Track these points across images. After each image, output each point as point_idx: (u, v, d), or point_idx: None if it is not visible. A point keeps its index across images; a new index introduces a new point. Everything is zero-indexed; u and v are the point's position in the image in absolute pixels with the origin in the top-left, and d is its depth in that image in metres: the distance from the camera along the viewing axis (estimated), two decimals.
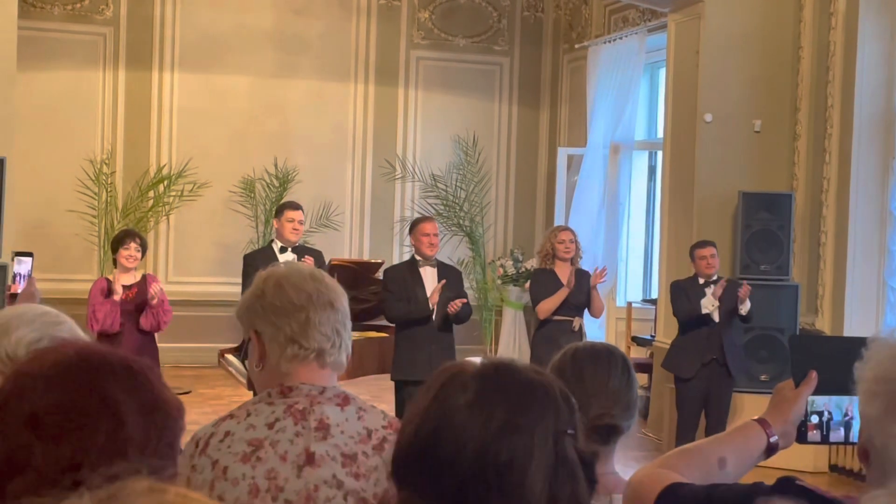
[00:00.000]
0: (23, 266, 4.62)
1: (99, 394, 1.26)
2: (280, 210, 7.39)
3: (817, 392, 1.94)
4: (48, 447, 1.18)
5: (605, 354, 2.36)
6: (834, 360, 1.92)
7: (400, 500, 1.38)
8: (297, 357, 2.22)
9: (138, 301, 6.82)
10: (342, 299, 2.28)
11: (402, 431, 1.42)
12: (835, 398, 1.94)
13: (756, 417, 1.94)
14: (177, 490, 0.83)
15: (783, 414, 1.92)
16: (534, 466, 1.35)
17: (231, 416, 2.23)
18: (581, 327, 7.47)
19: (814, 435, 1.95)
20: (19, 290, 4.36)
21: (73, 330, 2.24)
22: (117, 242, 7.02)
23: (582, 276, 7.50)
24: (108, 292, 6.82)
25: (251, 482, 2.12)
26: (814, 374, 1.92)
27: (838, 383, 1.89)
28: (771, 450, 1.91)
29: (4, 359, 2.18)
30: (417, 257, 7.08)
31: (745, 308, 7.41)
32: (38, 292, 4.11)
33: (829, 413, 1.95)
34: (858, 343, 1.60)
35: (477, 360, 1.46)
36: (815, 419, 1.95)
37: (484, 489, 1.34)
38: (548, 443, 1.37)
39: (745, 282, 7.62)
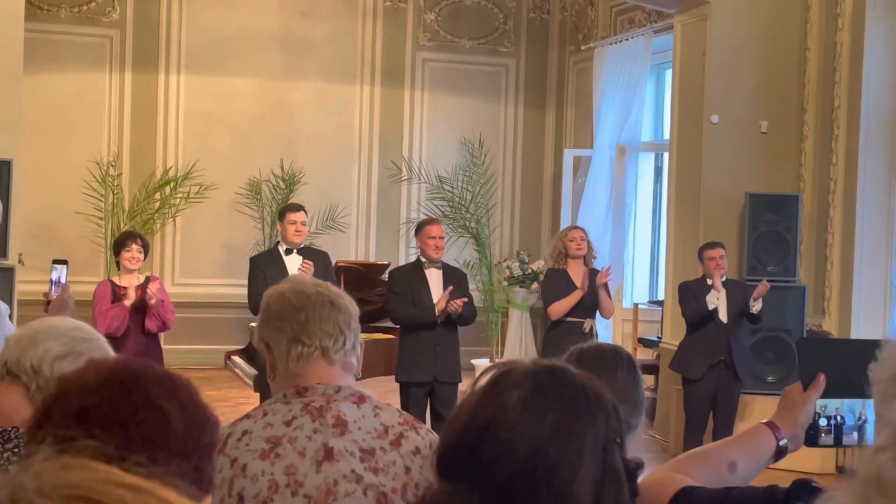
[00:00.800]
0: (56, 273, 4.68)
1: (142, 393, 1.32)
2: (282, 213, 7.37)
3: (827, 395, 1.93)
4: (94, 439, 1.21)
5: (610, 354, 2.36)
6: (842, 363, 1.91)
7: (445, 492, 1.38)
8: (301, 356, 2.25)
9: (142, 303, 6.80)
10: (344, 301, 2.31)
11: (450, 424, 1.43)
12: (847, 401, 1.93)
13: (765, 421, 1.93)
14: (85, 463, 0.83)
15: (792, 417, 1.91)
16: (583, 470, 1.35)
17: (248, 416, 2.26)
18: (592, 328, 7.46)
19: (826, 438, 1.95)
20: (53, 297, 4.40)
21: (103, 348, 2.24)
22: (119, 244, 6.98)
23: (595, 277, 7.50)
24: (114, 294, 6.79)
25: (270, 478, 2.15)
26: (822, 378, 1.91)
27: (848, 386, 1.88)
28: (780, 453, 1.91)
29: (29, 370, 2.18)
30: (423, 259, 7.08)
31: (757, 307, 7.38)
32: (71, 299, 4.15)
33: (842, 417, 1.94)
34: (867, 345, 1.59)
35: (526, 360, 1.47)
36: (824, 423, 1.94)
37: (531, 487, 1.34)
38: (597, 449, 1.37)
39: (765, 279, 7.63)
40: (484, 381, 1.44)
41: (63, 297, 4.19)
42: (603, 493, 1.36)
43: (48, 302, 4.44)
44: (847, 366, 1.89)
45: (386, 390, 8.05)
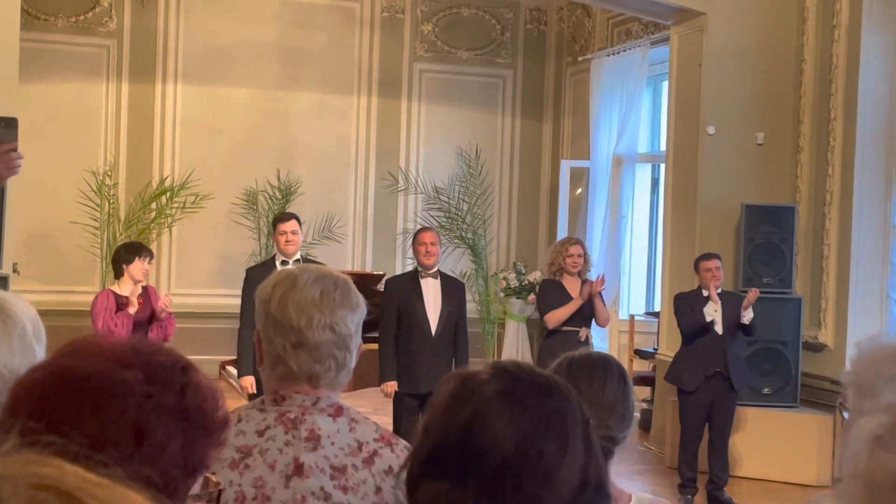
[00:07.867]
0: None
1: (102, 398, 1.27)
2: (273, 224, 7.32)
3: None
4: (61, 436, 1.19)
5: (600, 364, 2.33)
6: None
7: (443, 490, 1.38)
8: (285, 377, 2.18)
9: (144, 313, 6.86)
10: (347, 321, 2.19)
11: (428, 429, 1.43)
12: None
13: None
14: (59, 463, 0.81)
15: None
16: (568, 456, 1.38)
17: None
18: (588, 338, 7.54)
19: None
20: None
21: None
22: (131, 253, 6.94)
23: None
24: (116, 304, 6.80)
25: (238, 489, 2.10)
26: None
27: None
28: None
29: None
30: (419, 268, 7.13)
31: (747, 317, 7.38)
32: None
33: None
34: None
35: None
36: None
37: (520, 473, 1.36)
38: (577, 429, 1.41)
39: (754, 288, 7.63)
40: (449, 386, 1.45)
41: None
42: (588, 474, 1.39)
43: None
44: None
45: (381, 402, 8.02)
